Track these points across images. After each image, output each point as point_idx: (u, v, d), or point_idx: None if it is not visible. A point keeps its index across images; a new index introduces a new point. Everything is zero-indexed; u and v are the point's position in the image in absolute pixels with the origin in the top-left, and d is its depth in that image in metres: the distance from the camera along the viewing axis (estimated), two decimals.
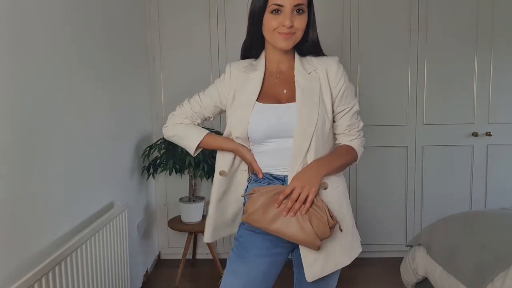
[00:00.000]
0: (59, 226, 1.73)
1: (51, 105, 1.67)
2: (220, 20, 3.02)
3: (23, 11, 1.49)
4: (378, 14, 3.01)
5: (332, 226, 1.26)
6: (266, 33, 1.34)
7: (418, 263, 2.19)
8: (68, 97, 1.81)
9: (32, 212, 1.54)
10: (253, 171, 1.42)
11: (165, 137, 1.55)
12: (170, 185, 3.18)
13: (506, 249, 1.82)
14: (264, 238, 1.36)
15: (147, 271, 2.97)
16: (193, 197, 2.86)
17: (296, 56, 1.40)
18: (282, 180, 1.36)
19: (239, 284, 1.35)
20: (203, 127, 1.52)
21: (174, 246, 3.22)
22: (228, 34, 3.02)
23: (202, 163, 2.63)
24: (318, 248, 1.27)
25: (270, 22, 1.31)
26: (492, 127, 3.07)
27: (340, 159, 1.37)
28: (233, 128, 1.39)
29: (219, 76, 1.52)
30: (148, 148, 2.78)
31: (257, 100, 1.37)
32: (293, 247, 1.39)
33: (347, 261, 1.38)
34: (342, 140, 1.43)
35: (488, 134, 3.06)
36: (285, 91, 1.38)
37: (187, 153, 2.49)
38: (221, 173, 1.45)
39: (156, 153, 2.79)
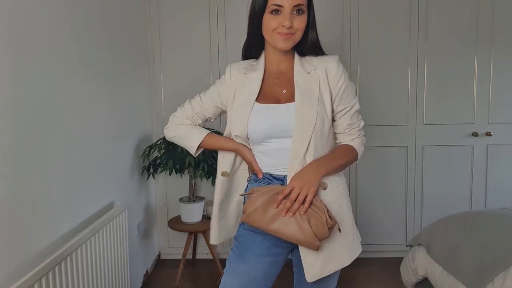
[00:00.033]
0: (59, 226, 1.73)
1: (51, 105, 1.67)
2: (220, 20, 3.02)
3: (23, 11, 1.49)
4: (378, 14, 3.01)
5: (331, 226, 1.26)
6: (266, 33, 1.34)
7: (418, 263, 2.19)
8: (68, 97, 1.81)
9: (32, 212, 1.54)
10: (253, 171, 1.42)
11: (166, 138, 1.56)
12: (170, 185, 3.18)
13: (506, 249, 1.82)
14: (264, 238, 1.36)
15: (147, 271, 2.97)
16: (193, 197, 2.86)
17: (296, 56, 1.40)
18: (281, 180, 1.36)
19: (238, 284, 1.35)
20: (203, 128, 1.53)
21: (174, 246, 3.22)
22: (228, 34, 3.02)
23: (202, 163, 2.63)
24: (317, 249, 1.27)
25: (269, 22, 1.31)
26: (492, 127, 3.07)
27: (340, 159, 1.37)
28: (233, 128, 1.40)
29: (219, 76, 1.53)
30: (148, 148, 2.78)
31: (256, 101, 1.37)
32: (293, 247, 1.39)
33: (347, 261, 1.38)
34: (343, 139, 1.43)
35: (488, 134, 3.06)
36: (284, 91, 1.38)
37: (187, 153, 2.50)
38: (223, 174, 1.45)
39: (156, 153, 2.80)
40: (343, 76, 1.37)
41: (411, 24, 3.00)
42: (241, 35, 1.46)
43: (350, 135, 1.41)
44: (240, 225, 1.43)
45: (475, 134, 3.07)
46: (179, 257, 2.93)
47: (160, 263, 3.21)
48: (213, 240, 1.50)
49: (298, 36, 1.33)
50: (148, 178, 2.86)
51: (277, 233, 1.27)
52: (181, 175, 2.97)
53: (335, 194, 1.36)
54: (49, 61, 1.66)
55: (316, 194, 1.28)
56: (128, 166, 2.61)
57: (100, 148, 2.15)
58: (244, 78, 1.42)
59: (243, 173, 1.48)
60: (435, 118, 3.08)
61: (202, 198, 2.92)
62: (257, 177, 1.39)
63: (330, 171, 1.33)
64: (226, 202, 1.48)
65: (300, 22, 1.31)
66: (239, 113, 1.38)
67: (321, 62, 1.38)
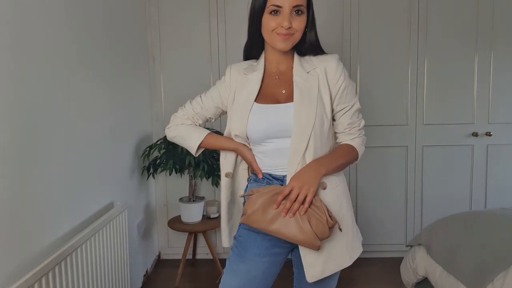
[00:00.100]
0: (59, 226, 1.73)
1: (51, 105, 1.67)
2: (220, 20, 3.02)
3: (23, 11, 1.49)
4: (378, 14, 3.01)
5: (331, 226, 1.26)
6: (265, 34, 1.34)
7: (418, 263, 2.19)
8: (68, 97, 1.81)
9: (32, 212, 1.54)
10: (253, 171, 1.42)
11: (167, 138, 1.57)
12: (170, 185, 3.18)
13: (506, 249, 1.82)
14: (263, 238, 1.36)
15: (147, 271, 2.97)
16: (193, 197, 2.86)
17: (295, 56, 1.40)
18: (281, 180, 1.36)
19: (238, 284, 1.35)
20: (204, 128, 1.53)
21: (174, 246, 3.22)
22: (228, 34, 3.02)
23: (202, 163, 2.63)
24: (317, 248, 1.27)
25: (268, 22, 1.31)
26: (492, 127, 3.07)
27: (340, 159, 1.36)
28: (233, 128, 1.40)
29: (219, 76, 1.53)
30: (148, 148, 2.78)
31: (255, 101, 1.37)
32: (293, 247, 1.39)
33: (348, 262, 1.38)
34: (343, 139, 1.42)
35: (488, 134, 3.06)
36: (284, 91, 1.38)
37: (187, 153, 2.50)
38: (227, 175, 1.46)
39: (156, 153, 2.80)
40: (343, 75, 1.37)
41: (411, 24, 3.00)
42: (241, 35, 1.47)
43: (351, 135, 1.41)
44: (240, 225, 1.43)
45: (475, 134, 3.07)
46: (179, 257, 2.93)
47: (160, 263, 3.21)
48: (225, 242, 1.50)
49: (297, 36, 1.33)
50: (148, 178, 2.86)
51: (277, 233, 1.27)
52: (181, 175, 2.97)
53: (334, 193, 1.36)
54: (49, 61, 1.66)
55: (316, 194, 1.28)
56: (128, 166, 2.61)
57: (100, 148, 2.15)
58: (243, 79, 1.42)
59: (243, 173, 1.48)
60: (435, 118, 3.08)
61: (202, 198, 2.92)
62: (257, 177, 1.39)
63: (330, 170, 1.32)
64: (232, 202, 1.49)
65: (299, 23, 1.31)
66: (239, 114, 1.38)
67: (320, 62, 1.38)
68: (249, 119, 1.35)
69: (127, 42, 2.63)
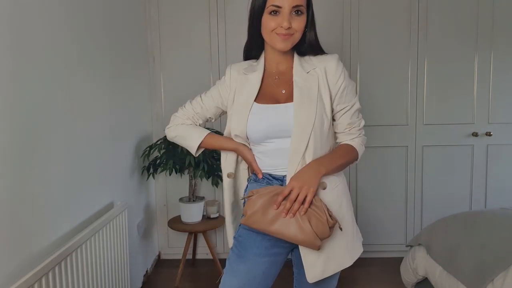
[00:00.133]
0: (59, 226, 1.73)
1: (51, 105, 1.67)
2: (220, 20, 3.02)
3: (23, 11, 1.49)
4: (378, 14, 3.01)
5: (332, 225, 1.26)
6: (265, 34, 1.34)
7: (418, 263, 2.19)
8: (68, 97, 1.81)
9: (32, 212, 1.54)
10: (252, 171, 1.42)
11: (168, 138, 1.57)
12: (170, 185, 3.18)
13: (506, 249, 1.82)
14: (263, 238, 1.36)
15: (147, 271, 2.97)
16: (193, 197, 2.86)
17: (295, 56, 1.40)
18: (281, 180, 1.36)
19: (238, 284, 1.35)
20: (204, 128, 1.53)
21: (174, 246, 3.22)
22: (228, 34, 3.02)
23: (202, 163, 2.63)
24: (318, 248, 1.27)
25: (268, 23, 1.31)
26: (492, 127, 3.07)
27: (339, 159, 1.36)
28: (233, 128, 1.40)
29: (219, 76, 1.53)
30: (148, 148, 2.78)
31: (255, 101, 1.37)
32: (293, 247, 1.39)
33: (349, 262, 1.38)
34: (343, 139, 1.42)
35: (488, 134, 3.06)
36: (283, 91, 1.38)
37: (187, 153, 2.50)
38: (229, 176, 1.46)
39: (156, 153, 2.80)
40: (343, 75, 1.37)
41: (411, 24, 3.00)
42: (241, 35, 1.47)
43: (351, 135, 1.41)
44: (240, 225, 1.43)
45: (475, 134, 3.07)
46: (179, 257, 2.93)
47: (160, 263, 3.21)
48: (231, 243, 1.49)
49: (297, 36, 1.33)
50: (148, 178, 2.86)
51: (277, 234, 1.27)
52: (181, 175, 2.97)
53: (334, 193, 1.36)
54: (49, 61, 1.66)
55: (316, 194, 1.28)
56: (128, 166, 2.61)
57: (100, 148, 2.15)
58: (243, 79, 1.42)
59: (243, 173, 1.48)
60: (435, 118, 3.08)
61: (202, 198, 2.92)
62: (257, 177, 1.40)
63: (330, 170, 1.32)
64: (235, 203, 1.49)
65: (299, 23, 1.31)
66: (239, 114, 1.38)
67: (320, 61, 1.38)
68: (249, 119, 1.35)
69: (127, 42, 2.63)
